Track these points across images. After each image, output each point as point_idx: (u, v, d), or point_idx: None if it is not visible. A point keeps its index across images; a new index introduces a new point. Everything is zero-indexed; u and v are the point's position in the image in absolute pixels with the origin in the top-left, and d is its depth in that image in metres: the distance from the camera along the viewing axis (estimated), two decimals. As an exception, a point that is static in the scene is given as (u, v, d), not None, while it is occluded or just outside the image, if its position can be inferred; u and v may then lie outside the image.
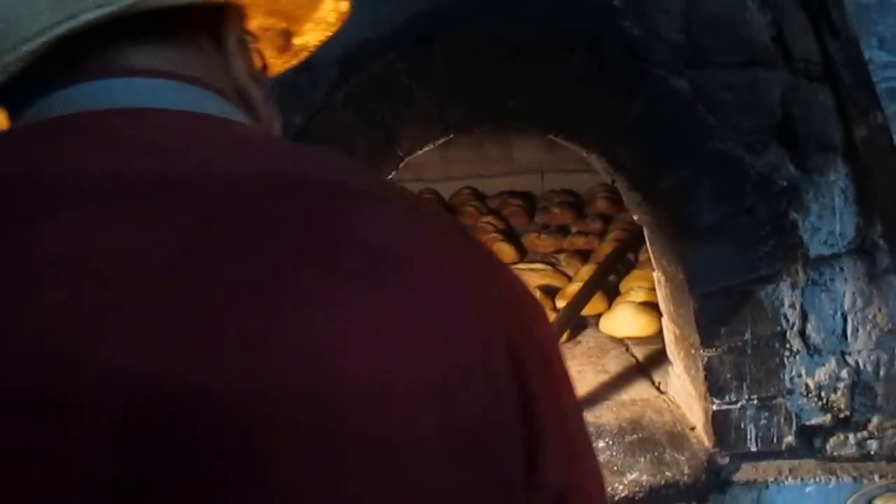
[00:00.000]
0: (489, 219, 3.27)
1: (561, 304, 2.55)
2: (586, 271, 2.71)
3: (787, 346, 1.69)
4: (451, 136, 1.70)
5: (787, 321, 1.69)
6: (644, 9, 1.66)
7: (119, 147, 0.50)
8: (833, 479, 1.69)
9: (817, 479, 1.68)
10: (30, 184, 0.48)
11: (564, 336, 2.39)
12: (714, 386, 1.71)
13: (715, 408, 1.72)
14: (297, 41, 0.70)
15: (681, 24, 1.68)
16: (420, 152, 1.67)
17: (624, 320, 2.44)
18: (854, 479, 1.69)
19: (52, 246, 0.45)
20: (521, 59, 1.64)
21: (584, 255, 3.00)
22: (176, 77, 0.55)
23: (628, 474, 1.68)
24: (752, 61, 1.68)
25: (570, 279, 2.79)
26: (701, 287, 1.69)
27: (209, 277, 0.44)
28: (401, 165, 1.64)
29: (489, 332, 0.47)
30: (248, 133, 0.56)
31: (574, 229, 3.22)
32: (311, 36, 0.71)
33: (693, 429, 1.82)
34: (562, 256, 3.08)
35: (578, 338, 2.46)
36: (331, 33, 0.70)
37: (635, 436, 1.81)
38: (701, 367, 1.71)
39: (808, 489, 1.68)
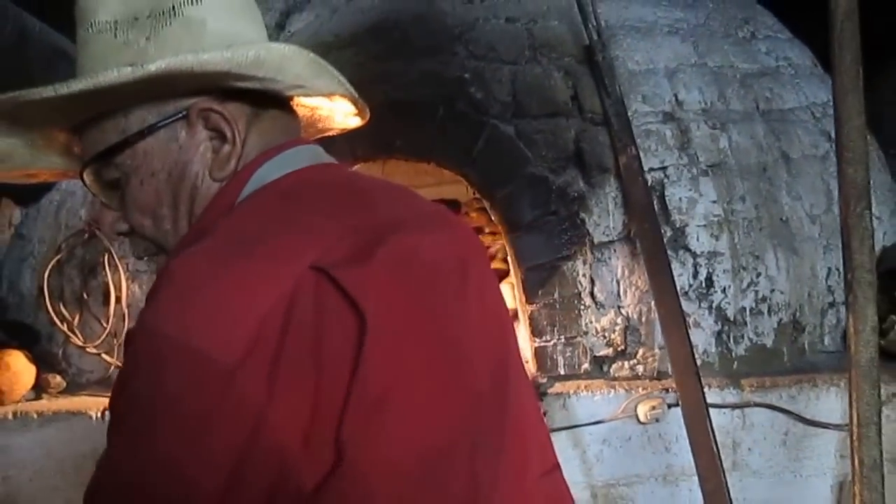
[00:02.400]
0: (420, 221, 4.01)
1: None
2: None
3: (583, 302, 2.53)
4: (359, 164, 2.50)
5: (582, 286, 2.52)
6: (484, 80, 2.50)
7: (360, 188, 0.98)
8: (613, 391, 2.46)
9: (603, 391, 2.48)
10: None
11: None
12: (536, 330, 2.53)
13: (536, 345, 2.54)
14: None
15: (509, 90, 2.52)
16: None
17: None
18: (626, 391, 2.49)
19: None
20: (404, 113, 2.45)
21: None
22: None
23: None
24: (555, 113, 2.53)
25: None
26: (525, 263, 2.52)
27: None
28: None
29: None
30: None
31: (486, 230, 3.98)
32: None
33: (527, 362, 2.63)
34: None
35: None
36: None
37: (486, 367, 2.63)
38: (526, 318, 2.54)
39: (595, 398, 2.46)
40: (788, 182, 2.72)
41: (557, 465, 1.09)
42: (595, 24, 2.56)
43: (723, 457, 2.39)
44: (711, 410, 2.39)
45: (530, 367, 2.57)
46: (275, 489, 0.76)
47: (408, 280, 0.87)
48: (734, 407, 2.49)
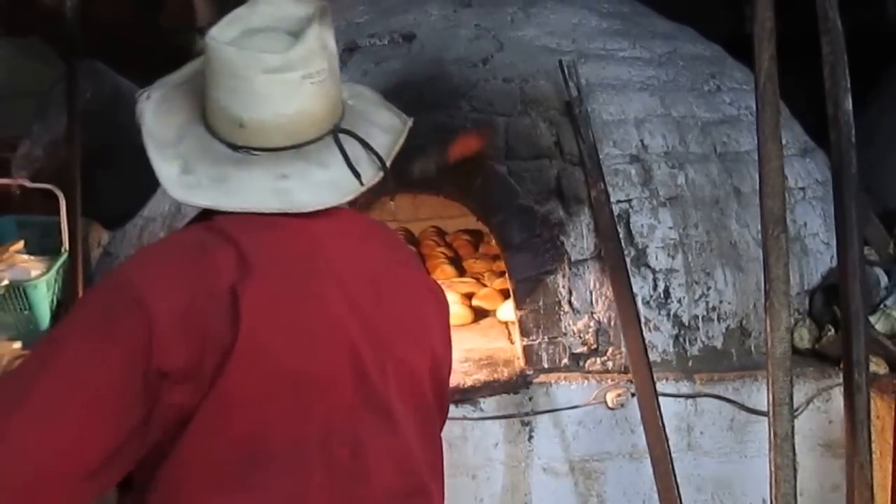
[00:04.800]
0: (443, 249, 4.12)
1: (476, 302, 3.66)
2: (500, 282, 3.67)
3: (562, 309, 3.09)
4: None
5: (561, 295, 3.08)
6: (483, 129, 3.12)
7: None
8: (587, 382, 2.99)
9: (579, 382, 3.00)
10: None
11: (470, 319, 3.59)
12: (525, 330, 3.09)
13: (525, 343, 3.10)
14: None
15: (503, 137, 3.13)
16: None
17: (506, 311, 3.48)
18: (597, 381, 3.00)
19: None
20: (421, 154, 3.04)
21: (502, 273, 3.73)
22: None
23: (476, 376, 3.05)
24: (540, 155, 3.12)
25: (484, 286, 3.76)
26: (516, 276, 3.10)
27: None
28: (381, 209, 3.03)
29: None
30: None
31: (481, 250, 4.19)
32: None
33: (518, 358, 3.19)
34: (486, 273, 3.90)
35: (481, 321, 3.58)
36: None
37: (486, 361, 3.18)
38: (517, 321, 3.12)
39: (572, 387, 2.99)
40: (738, 212, 3.27)
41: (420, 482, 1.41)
42: (575, 83, 3.15)
43: (678, 439, 2.94)
44: (668, 399, 2.94)
45: (519, 362, 3.13)
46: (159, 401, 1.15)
47: (284, 297, 1.25)
48: (687, 396, 3.04)
